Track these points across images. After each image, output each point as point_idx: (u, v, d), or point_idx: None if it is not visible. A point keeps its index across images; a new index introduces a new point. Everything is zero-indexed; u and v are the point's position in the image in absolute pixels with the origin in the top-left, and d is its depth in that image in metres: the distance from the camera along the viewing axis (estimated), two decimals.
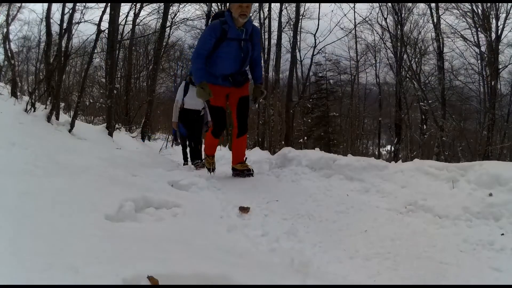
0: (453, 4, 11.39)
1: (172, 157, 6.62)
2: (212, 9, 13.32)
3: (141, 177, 2.54)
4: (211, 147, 3.68)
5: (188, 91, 5.21)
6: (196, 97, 4.82)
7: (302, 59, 16.86)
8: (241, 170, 3.36)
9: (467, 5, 11.20)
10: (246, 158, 3.51)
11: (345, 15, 21.21)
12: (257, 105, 13.69)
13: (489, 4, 10.76)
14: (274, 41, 14.12)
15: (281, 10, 13.84)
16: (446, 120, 12.01)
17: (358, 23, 15.95)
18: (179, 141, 8.07)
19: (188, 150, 8.34)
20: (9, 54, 6.58)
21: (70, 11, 5.13)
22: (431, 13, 11.95)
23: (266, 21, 14.18)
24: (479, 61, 12.68)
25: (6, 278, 0.94)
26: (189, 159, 5.64)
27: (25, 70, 16.48)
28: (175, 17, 14.74)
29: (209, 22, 3.23)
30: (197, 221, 1.87)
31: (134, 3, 13.53)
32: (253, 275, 1.27)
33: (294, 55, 13.40)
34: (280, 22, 13.49)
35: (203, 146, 5.05)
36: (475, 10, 11.16)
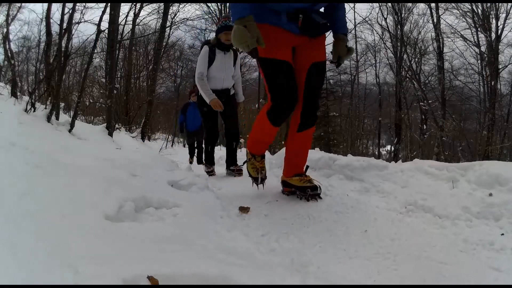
0: (453, 4, 11.42)
1: (172, 157, 6.61)
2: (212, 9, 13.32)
3: (141, 177, 2.54)
4: (261, 139, 2.33)
5: (214, 59, 3.43)
6: (225, 69, 3.42)
7: None
8: (302, 188, 2.23)
9: (467, 5, 11.24)
10: (307, 166, 2.35)
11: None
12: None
13: (489, 4, 10.78)
14: None
15: None
16: (446, 120, 12.02)
17: (358, 23, 16.00)
18: (185, 132, 7.94)
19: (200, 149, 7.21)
20: (9, 54, 6.60)
21: (70, 11, 5.14)
22: (431, 13, 11.98)
23: None
24: (479, 61, 12.71)
25: (6, 278, 0.94)
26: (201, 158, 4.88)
27: (25, 70, 16.51)
28: (175, 17, 14.79)
29: None
30: (197, 221, 1.87)
31: (134, 3, 13.53)
32: (253, 275, 1.27)
33: None
34: None
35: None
36: (475, 10, 11.19)
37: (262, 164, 2.42)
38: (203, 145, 3.98)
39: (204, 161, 3.97)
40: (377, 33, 16.23)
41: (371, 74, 19.80)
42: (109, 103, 6.11)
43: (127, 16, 14.18)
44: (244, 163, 2.54)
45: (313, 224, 1.96)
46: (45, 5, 6.34)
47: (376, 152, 19.93)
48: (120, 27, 12.91)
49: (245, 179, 3.19)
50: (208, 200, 2.36)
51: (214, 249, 1.51)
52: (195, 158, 7.71)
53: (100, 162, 2.77)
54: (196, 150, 7.74)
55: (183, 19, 15.32)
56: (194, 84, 3.63)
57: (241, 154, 3.74)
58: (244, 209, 2.12)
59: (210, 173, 3.98)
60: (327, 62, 2.22)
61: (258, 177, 2.38)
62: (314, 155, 3.14)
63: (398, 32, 14.50)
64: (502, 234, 1.72)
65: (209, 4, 14.23)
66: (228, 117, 3.65)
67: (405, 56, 14.13)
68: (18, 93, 5.92)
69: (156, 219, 1.80)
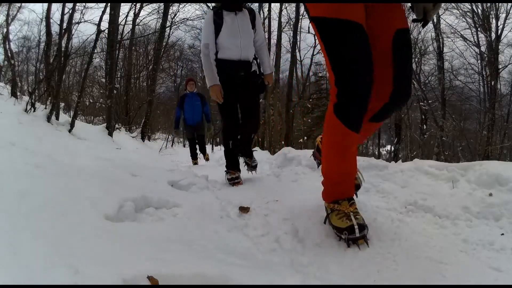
0: (453, 4, 11.42)
1: (172, 157, 6.61)
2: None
3: (141, 177, 2.54)
4: (340, 166, 1.71)
5: (223, 24, 2.69)
6: (240, 34, 2.73)
7: (302, 59, 16.96)
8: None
9: (467, 5, 11.24)
10: (358, 186, 2.00)
11: None
12: None
13: (489, 4, 10.79)
14: (274, 41, 14.16)
15: (281, 10, 13.88)
16: (446, 120, 12.03)
17: None
18: (181, 129, 7.17)
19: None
20: (9, 54, 6.60)
21: (70, 11, 5.14)
22: None
23: (266, 21, 14.22)
24: (479, 61, 12.72)
25: (6, 278, 0.94)
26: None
27: (25, 70, 16.51)
28: (175, 17, 14.79)
29: None
30: (197, 221, 1.87)
31: (134, 3, 13.54)
32: (253, 275, 1.27)
33: (294, 55, 13.43)
34: (280, 22, 13.55)
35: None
36: (475, 10, 11.20)
37: (353, 207, 1.66)
38: (229, 142, 3.02)
39: (226, 167, 3.04)
40: None
41: None
42: (109, 103, 6.12)
43: (127, 16, 14.21)
44: (325, 219, 1.75)
45: (313, 224, 1.96)
46: (45, 5, 6.35)
47: (376, 152, 19.94)
48: (120, 27, 12.92)
49: (246, 179, 3.19)
50: (208, 200, 2.36)
51: (214, 249, 1.51)
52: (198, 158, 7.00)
53: (100, 162, 2.77)
54: (197, 146, 6.94)
55: (183, 19, 15.36)
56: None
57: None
58: (244, 209, 2.12)
59: (235, 181, 2.92)
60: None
61: (354, 224, 1.57)
62: None
63: None
64: (502, 234, 1.72)
65: (209, 4, 14.24)
66: (245, 101, 2.83)
67: None
68: (18, 93, 5.92)
69: (156, 219, 1.80)
